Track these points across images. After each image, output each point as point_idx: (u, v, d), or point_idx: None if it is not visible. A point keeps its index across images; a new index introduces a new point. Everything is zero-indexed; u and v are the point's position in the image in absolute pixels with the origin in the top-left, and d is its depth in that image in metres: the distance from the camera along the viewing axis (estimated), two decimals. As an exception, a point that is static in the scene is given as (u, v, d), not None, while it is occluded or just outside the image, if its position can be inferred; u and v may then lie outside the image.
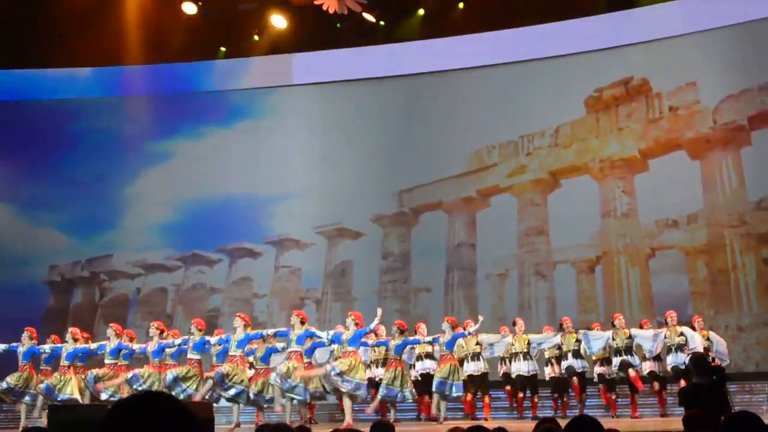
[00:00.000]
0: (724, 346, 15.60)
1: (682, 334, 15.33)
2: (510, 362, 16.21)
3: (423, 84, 21.95)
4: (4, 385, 15.46)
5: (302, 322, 14.43)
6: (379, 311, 14.53)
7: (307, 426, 12.63)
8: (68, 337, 15.80)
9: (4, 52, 21.91)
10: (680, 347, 15.26)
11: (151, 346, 15.04)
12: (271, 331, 14.98)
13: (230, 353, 14.43)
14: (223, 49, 23.07)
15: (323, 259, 21.79)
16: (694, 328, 15.58)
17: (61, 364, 15.48)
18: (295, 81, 22.52)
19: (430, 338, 15.35)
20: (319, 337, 14.52)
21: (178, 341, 15.07)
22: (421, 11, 21.98)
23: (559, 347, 16.08)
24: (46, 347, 15.99)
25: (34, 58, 22.32)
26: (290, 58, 22.55)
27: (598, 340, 15.60)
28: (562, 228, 20.12)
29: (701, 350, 14.99)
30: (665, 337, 15.35)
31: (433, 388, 14.91)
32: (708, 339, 15.49)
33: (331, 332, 14.76)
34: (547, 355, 16.29)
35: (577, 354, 15.85)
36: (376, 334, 15.36)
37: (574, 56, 20.76)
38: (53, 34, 21.85)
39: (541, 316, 19.49)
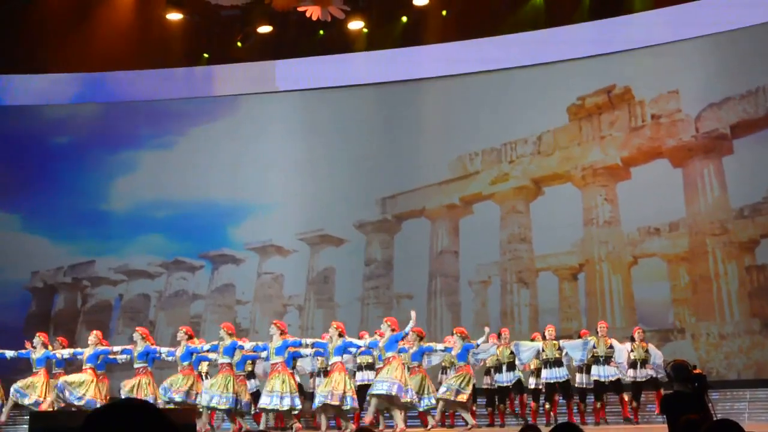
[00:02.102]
0: (661, 357, 15.83)
1: (611, 346, 15.60)
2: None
3: (406, 91, 21.94)
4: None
5: (340, 335, 14.47)
6: (413, 314, 14.55)
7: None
8: (91, 339, 15.75)
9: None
10: (608, 359, 15.49)
11: (179, 351, 15.01)
12: (309, 341, 15.00)
13: (271, 361, 14.48)
14: (206, 55, 23.00)
15: (306, 265, 21.76)
16: (633, 339, 15.83)
17: (83, 367, 15.44)
18: (278, 87, 22.49)
19: (442, 347, 15.37)
20: (357, 347, 14.61)
21: (206, 346, 15.12)
22: (404, 19, 21.95)
23: (498, 358, 16.21)
24: (65, 352, 15.95)
25: (13, 63, 22.22)
26: (273, 65, 22.52)
27: (527, 351, 15.77)
28: (545, 235, 20.15)
29: (626, 364, 15.39)
30: (594, 347, 15.53)
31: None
32: (647, 351, 15.83)
33: (369, 339, 14.86)
34: (488, 364, 16.39)
35: (511, 366, 16.00)
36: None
37: (556, 64, 20.80)
38: (34, 38, 21.76)
39: (523, 323, 19.53)
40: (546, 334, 15.98)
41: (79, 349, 16.11)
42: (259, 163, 22.14)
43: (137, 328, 16.14)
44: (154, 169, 22.48)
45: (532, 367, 16.24)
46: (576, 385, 15.90)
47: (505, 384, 16.03)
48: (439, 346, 15.38)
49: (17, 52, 21.96)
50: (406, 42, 21.88)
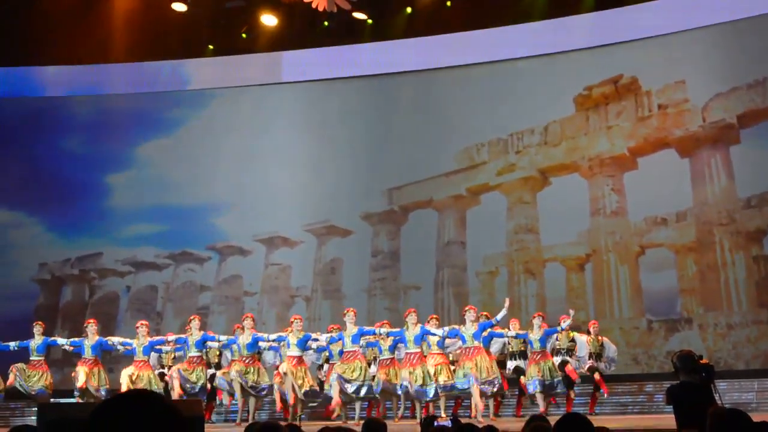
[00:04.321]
0: (615, 351, 16.14)
1: (573, 339, 15.77)
2: None
3: (412, 82, 21.93)
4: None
5: (416, 322, 14.45)
6: (507, 301, 14.59)
7: (297, 423, 12.63)
8: (141, 331, 15.53)
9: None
10: (569, 352, 15.67)
11: (244, 339, 14.95)
12: (383, 331, 14.81)
13: (346, 350, 14.54)
14: (210, 47, 22.98)
15: (313, 256, 21.77)
16: (589, 333, 15.99)
17: (136, 358, 15.29)
18: (284, 79, 22.48)
19: (514, 333, 15.34)
20: (435, 335, 14.45)
21: (273, 336, 15.04)
22: (409, 9, 21.89)
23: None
24: (115, 340, 15.85)
25: (22, 55, 22.22)
26: (279, 56, 22.51)
27: (495, 343, 15.73)
28: (552, 226, 20.13)
29: (586, 358, 15.64)
30: (557, 339, 15.63)
31: (534, 388, 14.89)
32: (602, 345, 15.97)
33: (447, 328, 14.67)
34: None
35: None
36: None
37: (563, 54, 20.76)
38: (38, 31, 21.73)
39: (530, 314, 19.43)
40: (510, 326, 15.94)
41: (128, 340, 15.89)
42: (266, 155, 22.13)
43: (193, 316, 16.08)
44: (160, 161, 22.50)
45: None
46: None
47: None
48: (511, 332, 15.33)
49: (17, 45, 21.93)
50: (411, 33, 21.83)
